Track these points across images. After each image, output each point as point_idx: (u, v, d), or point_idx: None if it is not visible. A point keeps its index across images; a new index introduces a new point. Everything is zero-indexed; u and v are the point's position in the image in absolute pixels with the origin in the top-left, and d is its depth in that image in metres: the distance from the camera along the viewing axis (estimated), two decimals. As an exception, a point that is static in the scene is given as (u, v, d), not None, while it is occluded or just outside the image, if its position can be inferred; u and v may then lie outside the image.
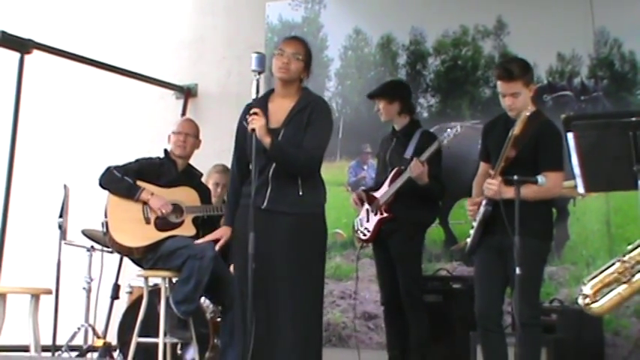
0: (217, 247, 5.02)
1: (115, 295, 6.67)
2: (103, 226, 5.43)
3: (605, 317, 5.33)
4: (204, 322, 5.77)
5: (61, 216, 6.30)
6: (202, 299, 5.63)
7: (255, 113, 4.48)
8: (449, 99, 6.78)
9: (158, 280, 5.42)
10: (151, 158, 5.66)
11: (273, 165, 4.54)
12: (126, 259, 6.00)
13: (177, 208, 5.44)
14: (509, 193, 4.43)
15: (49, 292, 5.66)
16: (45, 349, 5.84)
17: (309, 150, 4.56)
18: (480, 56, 6.67)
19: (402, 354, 5.69)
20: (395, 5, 7.03)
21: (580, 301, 4.29)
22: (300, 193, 4.54)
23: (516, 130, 4.48)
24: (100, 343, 6.30)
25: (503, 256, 4.56)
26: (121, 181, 5.42)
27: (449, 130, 5.71)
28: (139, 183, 5.44)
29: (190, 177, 5.66)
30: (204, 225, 5.44)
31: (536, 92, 4.81)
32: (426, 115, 6.71)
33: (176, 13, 8.02)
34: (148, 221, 5.39)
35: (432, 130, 6.03)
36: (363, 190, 5.94)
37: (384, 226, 5.69)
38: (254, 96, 4.54)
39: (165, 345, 5.29)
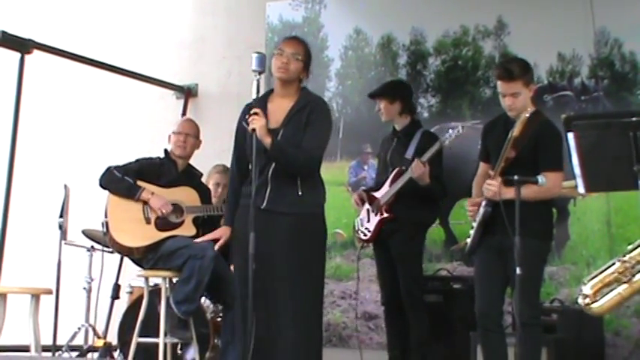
0: (217, 247, 5.02)
1: (116, 295, 6.67)
2: (103, 226, 5.43)
3: (605, 317, 5.33)
4: (205, 322, 5.77)
5: (61, 216, 6.30)
6: (202, 299, 5.63)
7: (255, 113, 4.49)
8: (449, 99, 6.78)
9: (158, 280, 5.42)
10: (151, 158, 5.66)
11: (273, 165, 4.54)
12: (126, 259, 6.00)
13: (177, 208, 5.44)
14: (509, 193, 4.43)
15: (50, 292, 5.66)
16: (45, 349, 5.84)
17: (308, 150, 4.56)
18: (481, 56, 6.67)
19: (403, 354, 5.69)
20: (395, 5, 7.03)
21: (580, 301, 4.28)
22: (300, 193, 4.54)
23: (516, 131, 4.48)
24: (100, 343, 6.30)
25: (503, 257, 4.56)
26: (122, 181, 5.42)
27: (450, 130, 5.70)
28: (139, 183, 5.44)
29: (190, 177, 5.66)
30: (205, 225, 5.44)
31: (536, 92, 4.80)
32: (426, 115, 6.70)
33: (176, 13, 8.02)
34: (148, 221, 5.39)
35: (432, 130, 6.03)
36: (364, 190, 5.93)
37: (384, 227, 5.68)
38: (254, 96, 4.54)
39: (165, 345, 5.29)
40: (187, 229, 5.40)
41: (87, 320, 6.50)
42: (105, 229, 5.40)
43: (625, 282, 4.18)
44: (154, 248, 5.34)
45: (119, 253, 5.71)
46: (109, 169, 5.49)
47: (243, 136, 4.65)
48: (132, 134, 7.80)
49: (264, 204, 4.51)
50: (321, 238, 4.66)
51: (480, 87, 6.66)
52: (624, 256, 4.22)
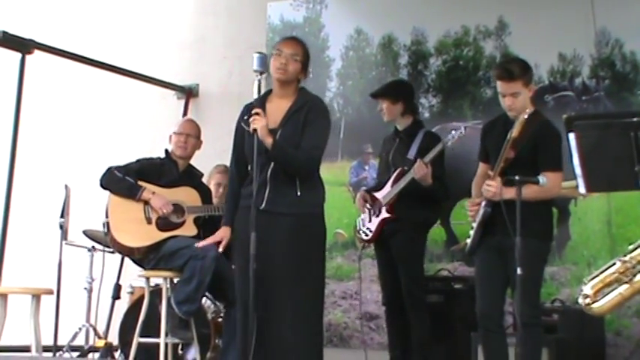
0: (221, 249, 5.01)
1: (117, 296, 6.67)
2: (104, 227, 5.44)
3: (606, 317, 5.33)
4: (206, 323, 5.77)
5: (62, 216, 6.30)
6: (203, 300, 5.63)
7: (257, 113, 4.48)
8: (450, 99, 6.78)
9: (159, 281, 5.42)
10: (151, 158, 5.66)
11: (272, 165, 4.53)
12: (127, 260, 6.00)
13: (178, 208, 5.44)
14: (509, 193, 4.42)
15: (51, 292, 5.67)
16: (46, 349, 5.86)
17: (307, 150, 4.55)
18: (482, 56, 6.67)
19: (404, 354, 5.68)
20: (396, 5, 7.03)
21: (580, 301, 4.28)
22: (299, 194, 4.53)
23: (515, 132, 4.48)
24: (101, 343, 6.29)
25: (503, 257, 4.55)
26: (122, 181, 5.42)
27: (453, 131, 5.69)
28: (140, 183, 5.44)
29: (191, 177, 5.66)
30: (206, 225, 5.44)
31: (535, 92, 4.80)
32: (427, 115, 6.70)
33: (177, 14, 8.03)
34: (149, 221, 5.40)
35: (433, 131, 6.03)
36: (365, 191, 5.93)
37: (386, 227, 5.68)
38: (255, 96, 4.55)
39: (166, 345, 5.29)
40: (188, 229, 5.40)
41: (88, 320, 6.50)
42: (106, 230, 5.41)
43: (626, 282, 4.17)
44: (155, 248, 5.34)
45: (120, 253, 5.71)
46: (109, 169, 5.49)
47: (242, 137, 4.64)
48: (133, 134, 7.80)
49: (264, 205, 4.49)
50: (321, 239, 4.65)
51: (481, 87, 6.65)
52: (625, 256, 4.21)
